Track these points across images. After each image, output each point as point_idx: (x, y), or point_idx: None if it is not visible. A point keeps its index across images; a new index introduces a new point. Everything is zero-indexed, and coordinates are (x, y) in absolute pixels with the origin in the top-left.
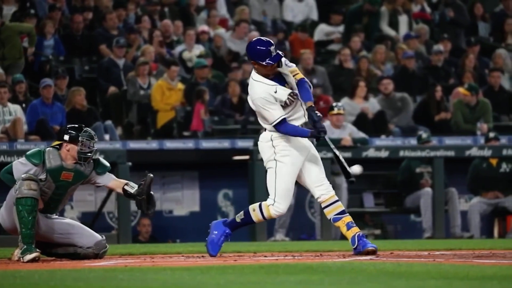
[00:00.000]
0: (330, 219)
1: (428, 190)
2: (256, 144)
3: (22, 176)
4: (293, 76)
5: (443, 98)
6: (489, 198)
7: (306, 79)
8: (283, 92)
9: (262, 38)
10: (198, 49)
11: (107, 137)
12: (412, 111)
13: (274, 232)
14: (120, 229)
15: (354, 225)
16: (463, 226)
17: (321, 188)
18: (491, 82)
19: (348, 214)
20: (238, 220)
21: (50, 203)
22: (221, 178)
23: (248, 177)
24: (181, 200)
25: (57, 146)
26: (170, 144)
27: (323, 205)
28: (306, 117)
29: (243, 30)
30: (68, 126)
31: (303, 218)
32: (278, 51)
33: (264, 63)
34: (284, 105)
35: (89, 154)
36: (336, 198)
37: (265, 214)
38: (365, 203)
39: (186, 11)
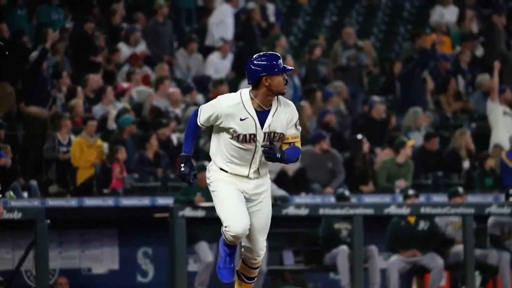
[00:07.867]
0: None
1: (344, 248)
2: (175, 202)
3: None
4: (292, 142)
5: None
6: (407, 256)
7: (300, 150)
8: (249, 126)
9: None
10: (118, 107)
11: (25, 194)
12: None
13: None
14: None
15: None
16: (382, 284)
17: None
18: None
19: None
20: None
21: None
22: (140, 236)
23: (168, 235)
24: (100, 258)
25: None
26: (89, 202)
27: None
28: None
29: (166, 87)
30: None
31: None
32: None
33: (276, 70)
34: (234, 136)
35: None
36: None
37: None
38: (285, 260)
39: (106, 67)
